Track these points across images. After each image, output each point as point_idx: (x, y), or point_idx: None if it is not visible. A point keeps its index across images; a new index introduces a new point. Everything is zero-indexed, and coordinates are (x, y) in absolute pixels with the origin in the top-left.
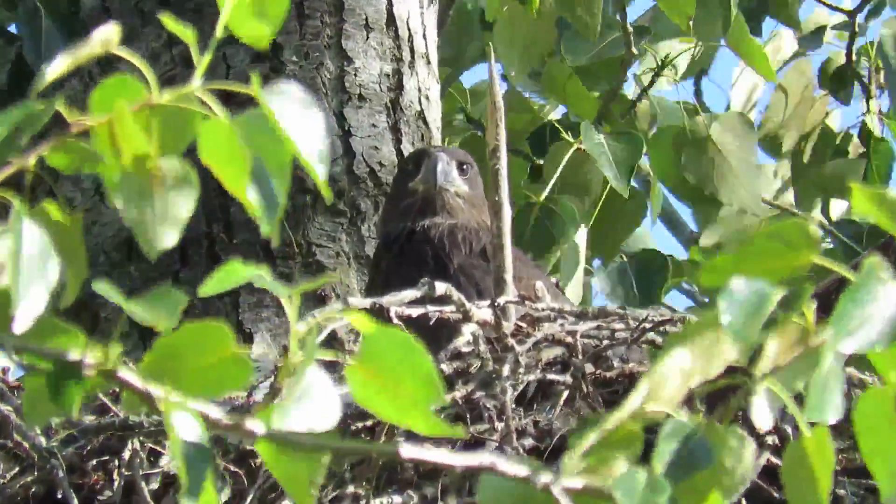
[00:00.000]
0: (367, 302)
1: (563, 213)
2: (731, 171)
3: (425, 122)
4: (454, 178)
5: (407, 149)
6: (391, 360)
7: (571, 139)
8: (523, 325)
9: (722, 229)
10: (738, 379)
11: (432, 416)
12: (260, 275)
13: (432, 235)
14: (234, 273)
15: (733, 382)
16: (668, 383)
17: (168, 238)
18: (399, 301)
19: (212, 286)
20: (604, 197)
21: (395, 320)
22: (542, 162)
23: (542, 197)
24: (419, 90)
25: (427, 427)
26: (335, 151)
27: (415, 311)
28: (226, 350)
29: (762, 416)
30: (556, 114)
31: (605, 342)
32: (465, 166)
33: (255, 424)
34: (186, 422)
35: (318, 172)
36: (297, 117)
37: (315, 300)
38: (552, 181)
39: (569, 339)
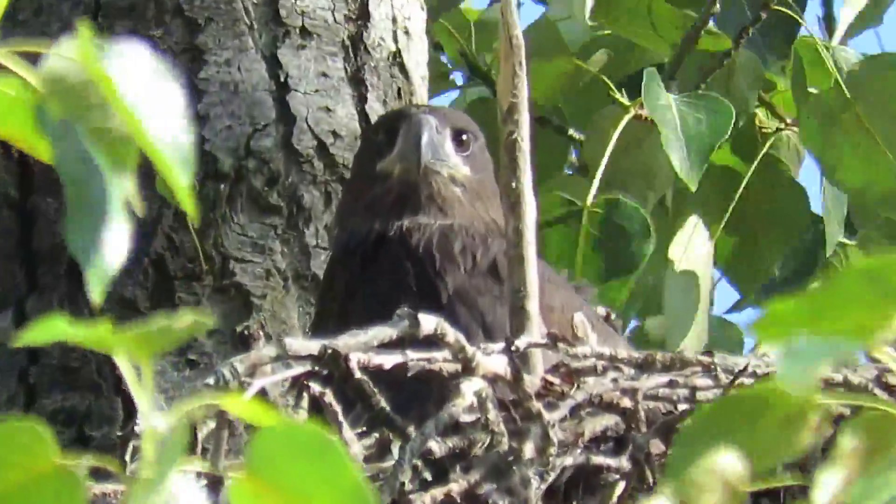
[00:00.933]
0: (315, 346)
1: (623, 213)
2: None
3: (403, 70)
4: (448, 155)
5: (375, 111)
6: (296, 470)
7: (628, 101)
8: (555, 380)
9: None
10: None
11: None
12: (86, 335)
13: (415, 243)
14: (53, 329)
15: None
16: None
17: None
18: (364, 344)
19: (26, 339)
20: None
21: (358, 373)
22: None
23: (593, 191)
24: (393, 20)
25: None
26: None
27: (388, 360)
28: (44, 462)
29: None
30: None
31: (682, 407)
32: (464, 136)
33: None
34: None
35: (177, 175)
36: (145, 90)
37: (234, 342)
38: (601, 166)
39: (626, 402)
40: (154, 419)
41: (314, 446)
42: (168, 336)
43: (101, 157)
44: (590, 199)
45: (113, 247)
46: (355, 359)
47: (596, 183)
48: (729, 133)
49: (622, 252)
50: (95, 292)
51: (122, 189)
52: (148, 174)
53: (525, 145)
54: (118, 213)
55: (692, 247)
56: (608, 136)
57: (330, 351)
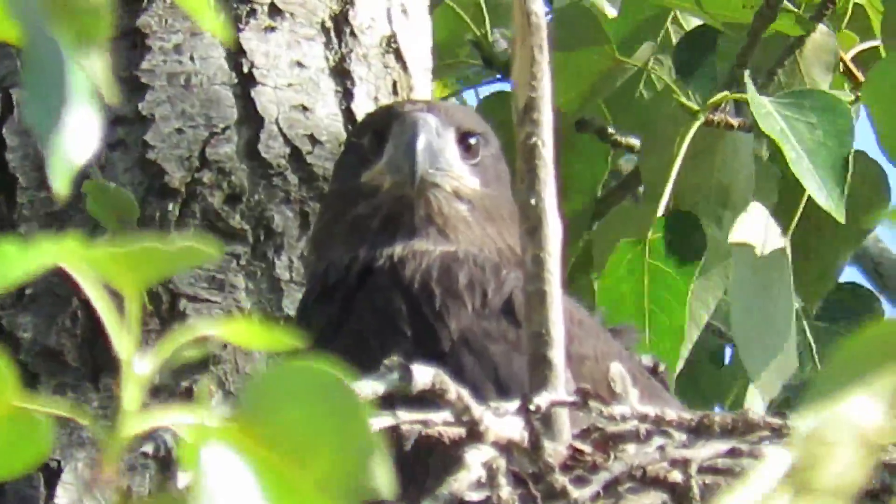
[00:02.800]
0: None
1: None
2: None
3: (400, 59)
4: (451, 163)
5: (365, 109)
6: (295, 414)
7: (695, 105)
8: (586, 448)
9: None
10: None
11: None
12: (58, 253)
13: (409, 275)
14: (14, 258)
15: None
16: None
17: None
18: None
19: None
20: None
21: None
22: (633, 142)
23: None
24: None
25: None
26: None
27: (375, 422)
28: (2, 403)
29: None
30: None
31: None
32: (472, 140)
33: None
34: None
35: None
36: None
37: (183, 402)
38: (668, 189)
39: (676, 476)
40: (137, 363)
41: (318, 387)
42: (162, 261)
43: (65, 31)
44: (650, 232)
45: (79, 133)
46: None
47: (661, 209)
48: (853, 137)
49: (675, 272)
50: (58, 182)
51: (91, 69)
52: (78, 195)
53: (547, 151)
54: (84, 96)
55: (763, 243)
56: (672, 148)
57: None
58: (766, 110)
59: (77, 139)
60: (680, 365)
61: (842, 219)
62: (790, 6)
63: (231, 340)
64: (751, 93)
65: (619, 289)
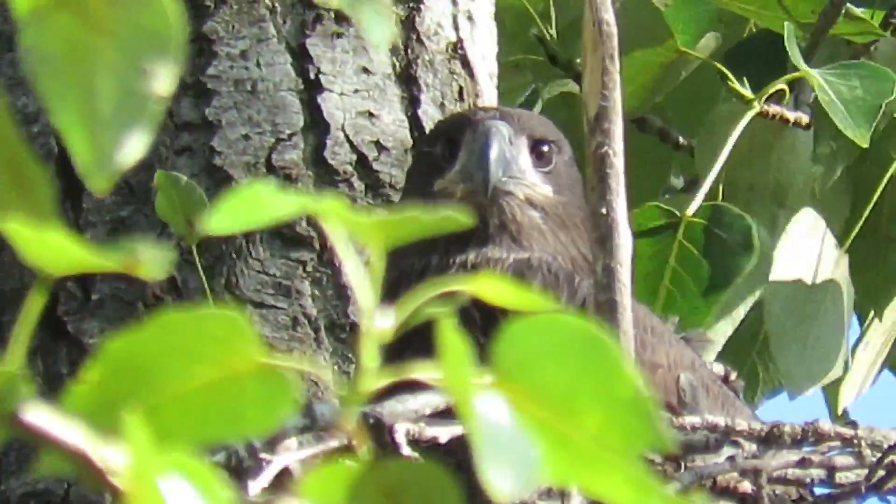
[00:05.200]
0: (352, 414)
1: (725, 223)
2: None
3: (466, 65)
4: (524, 171)
5: (431, 116)
6: (558, 372)
7: (750, 93)
8: (655, 457)
9: None
10: None
11: (641, 473)
12: (302, 202)
13: None
14: (253, 203)
15: None
16: None
17: (126, 153)
18: (414, 412)
19: (224, 219)
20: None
21: (406, 448)
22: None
23: (697, 200)
24: (453, 2)
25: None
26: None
27: (444, 432)
28: (243, 357)
29: None
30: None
31: (818, 491)
32: (545, 147)
33: None
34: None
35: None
36: None
37: None
38: (712, 172)
39: (746, 486)
40: (379, 317)
41: (579, 342)
42: (416, 225)
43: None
44: (691, 209)
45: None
46: (402, 430)
47: (704, 190)
48: (892, 96)
49: (717, 268)
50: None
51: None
52: (145, 200)
53: (618, 161)
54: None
55: (816, 256)
56: (724, 139)
57: (371, 420)
58: (810, 74)
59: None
60: None
61: (865, 144)
62: (857, 12)
63: (479, 296)
64: (792, 53)
65: (636, 244)
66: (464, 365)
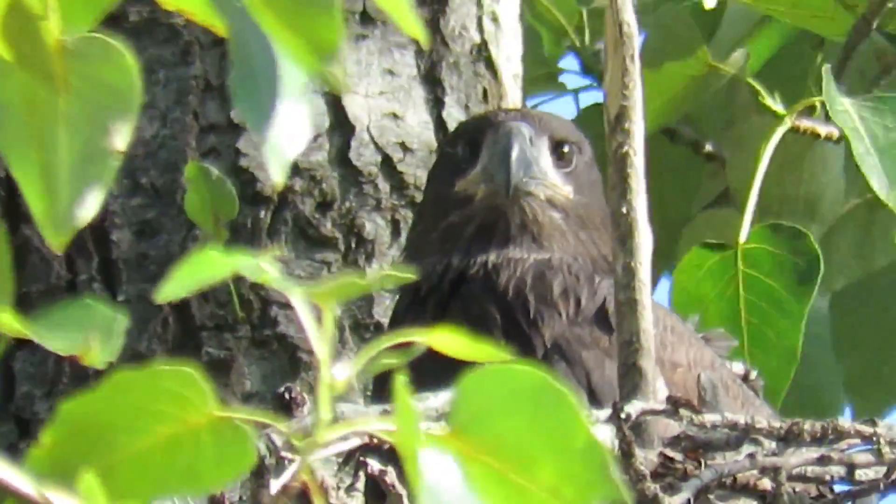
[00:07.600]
0: (375, 412)
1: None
2: None
3: (491, 67)
4: (545, 172)
5: (455, 117)
6: (512, 424)
7: (782, 108)
8: (677, 455)
9: None
10: None
11: None
12: (257, 265)
13: (503, 283)
14: (207, 266)
15: None
16: None
17: (84, 209)
18: (435, 410)
19: (174, 286)
20: None
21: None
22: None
23: (745, 226)
24: (478, 4)
25: None
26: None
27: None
28: (198, 412)
29: None
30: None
31: (837, 489)
32: (566, 148)
33: None
34: None
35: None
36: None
37: (276, 407)
38: (753, 193)
39: (766, 484)
40: (335, 368)
41: (534, 393)
42: (359, 288)
43: (297, 37)
44: (743, 236)
45: (291, 126)
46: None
47: (749, 214)
48: None
49: (787, 285)
50: (276, 174)
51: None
52: (172, 202)
53: (638, 160)
54: (295, 90)
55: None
56: (757, 155)
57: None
58: (843, 108)
59: (289, 132)
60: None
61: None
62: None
63: (434, 348)
64: (826, 86)
65: (698, 290)
66: (413, 422)
